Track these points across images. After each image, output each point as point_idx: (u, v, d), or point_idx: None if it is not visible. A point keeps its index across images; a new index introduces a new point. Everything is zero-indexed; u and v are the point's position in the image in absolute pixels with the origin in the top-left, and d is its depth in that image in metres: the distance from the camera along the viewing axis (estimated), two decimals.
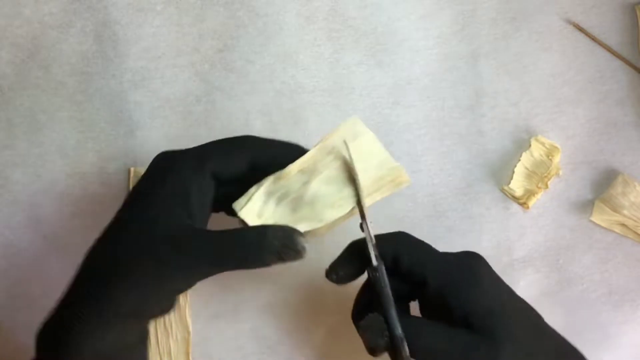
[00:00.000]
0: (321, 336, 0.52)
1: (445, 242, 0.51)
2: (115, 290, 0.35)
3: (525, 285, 0.52)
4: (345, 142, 0.38)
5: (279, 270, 0.49)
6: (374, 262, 0.39)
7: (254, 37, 0.49)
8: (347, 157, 0.38)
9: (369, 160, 0.39)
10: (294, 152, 0.39)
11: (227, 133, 0.49)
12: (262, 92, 0.50)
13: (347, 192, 0.38)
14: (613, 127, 0.51)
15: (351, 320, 0.41)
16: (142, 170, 0.49)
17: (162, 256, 0.35)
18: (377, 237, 0.39)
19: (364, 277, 0.41)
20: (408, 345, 0.37)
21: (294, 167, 0.38)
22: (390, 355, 0.38)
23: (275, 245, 0.35)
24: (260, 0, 0.49)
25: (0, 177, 0.49)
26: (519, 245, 0.51)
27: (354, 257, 0.40)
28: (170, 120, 0.50)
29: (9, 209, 0.49)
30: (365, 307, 0.40)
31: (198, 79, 0.49)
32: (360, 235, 0.39)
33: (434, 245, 0.51)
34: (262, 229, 0.36)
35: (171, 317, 0.50)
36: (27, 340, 0.51)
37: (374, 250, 0.39)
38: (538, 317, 0.41)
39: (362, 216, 0.38)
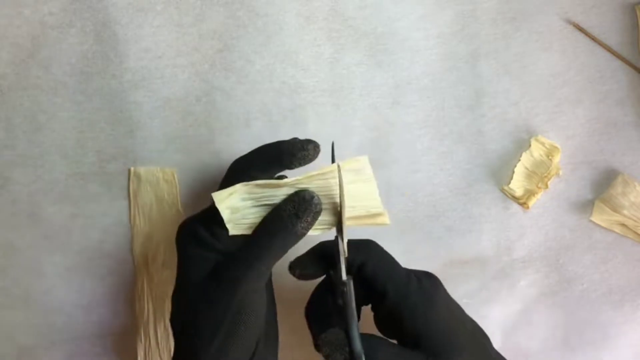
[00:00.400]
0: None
1: (445, 242, 0.51)
2: (199, 338, 0.38)
3: (525, 285, 0.52)
4: (339, 166, 0.39)
5: (278, 270, 0.49)
6: (344, 277, 0.39)
7: (254, 37, 0.49)
8: (339, 179, 0.39)
9: (361, 199, 0.40)
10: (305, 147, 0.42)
11: (227, 133, 0.50)
12: (262, 92, 0.50)
13: (328, 217, 0.40)
14: (613, 127, 0.51)
15: None
16: (142, 170, 0.49)
17: (214, 288, 0.38)
18: (348, 242, 0.40)
19: None
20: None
21: (287, 182, 0.39)
22: None
23: (289, 207, 0.38)
24: (260, 0, 0.49)
25: (0, 177, 0.49)
26: (519, 245, 0.51)
27: (320, 259, 0.42)
28: (170, 120, 0.50)
29: (9, 209, 0.49)
30: (320, 306, 0.42)
31: (198, 79, 0.49)
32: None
33: (433, 245, 0.52)
34: (276, 206, 0.39)
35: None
36: (27, 340, 0.51)
37: (344, 265, 0.40)
38: (486, 340, 0.42)
39: (340, 233, 0.40)
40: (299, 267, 0.42)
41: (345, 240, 0.40)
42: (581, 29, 0.50)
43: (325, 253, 0.42)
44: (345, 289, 0.39)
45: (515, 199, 0.51)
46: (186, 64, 0.49)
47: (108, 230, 0.50)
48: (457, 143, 0.51)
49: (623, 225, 0.51)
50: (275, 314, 0.44)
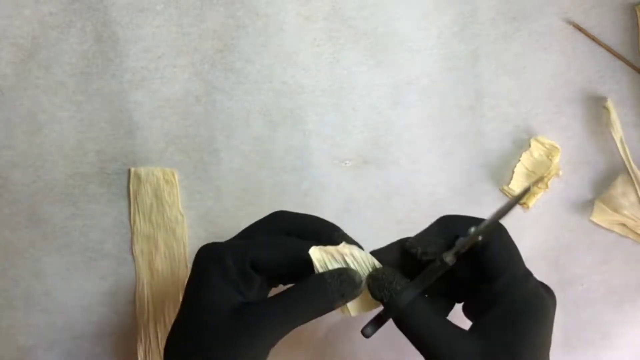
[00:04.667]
0: (321, 336, 0.52)
1: None
2: None
3: None
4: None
5: None
6: (449, 261, 0.37)
7: (254, 37, 0.49)
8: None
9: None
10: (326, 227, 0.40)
11: (227, 133, 0.50)
12: (262, 92, 0.50)
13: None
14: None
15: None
16: (142, 170, 0.49)
17: (233, 330, 0.36)
18: (477, 219, 0.38)
19: None
20: (403, 317, 0.36)
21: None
22: (381, 316, 0.38)
23: (336, 284, 0.36)
24: (260, 0, 0.49)
25: (0, 177, 0.49)
26: (519, 245, 0.51)
27: (443, 232, 0.39)
28: (170, 120, 0.50)
29: (9, 209, 0.49)
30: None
31: (198, 79, 0.49)
32: None
33: None
34: (319, 275, 0.37)
35: (172, 317, 0.50)
36: (27, 341, 0.51)
37: (459, 250, 0.37)
38: None
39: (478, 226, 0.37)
40: (422, 244, 0.38)
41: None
42: (581, 29, 0.50)
43: (449, 226, 0.39)
44: (440, 265, 0.37)
45: None
46: (186, 64, 0.49)
47: (108, 230, 0.50)
48: (457, 143, 0.51)
49: (623, 225, 0.51)
50: None
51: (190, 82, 0.49)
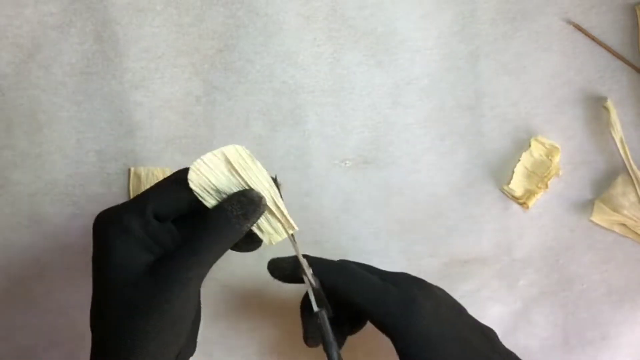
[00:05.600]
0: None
1: (445, 242, 0.51)
2: (135, 347, 0.34)
3: (525, 285, 0.52)
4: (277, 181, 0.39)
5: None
6: (315, 308, 0.40)
7: (254, 37, 0.49)
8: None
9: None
10: None
11: (227, 133, 0.50)
12: (262, 92, 0.50)
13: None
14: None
15: None
16: (142, 170, 0.49)
17: (146, 292, 0.34)
18: (318, 262, 0.41)
19: None
20: None
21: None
22: None
23: (236, 209, 0.36)
24: (260, 0, 0.49)
25: (0, 177, 0.49)
26: (519, 245, 0.51)
27: (294, 272, 0.41)
28: (170, 120, 0.50)
29: (9, 209, 0.49)
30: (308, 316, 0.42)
31: (198, 79, 0.49)
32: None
33: (433, 245, 0.51)
34: (217, 206, 0.37)
35: None
36: (27, 341, 0.51)
37: (314, 297, 0.40)
38: (489, 338, 0.42)
39: (302, 270, 0.40)
40: (275, 267, 0.42)
41: (311, 274, 0.40)
42: (581, 29, 0.50)
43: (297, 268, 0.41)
44: (318, 321, 0.40)
45: (515, 199, 0.51)
46: (186, 64, 0.49)
47: None
48: (457, 143, 0.51)
49: (623, 225, 0.51)
50: (199, 316, 0.40)
51: (190, 82, 0.49)
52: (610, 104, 0.50)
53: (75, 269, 0.50)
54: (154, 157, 0.50)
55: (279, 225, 0.39)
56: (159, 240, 0.36)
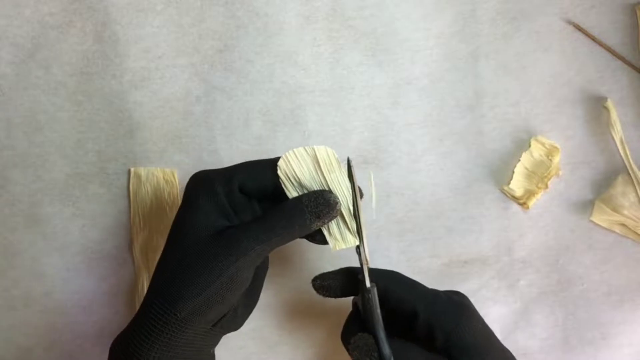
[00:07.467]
0: (321, 336, 0.52)
1: (445, 242, 0.51)
2: (185, 294, 0.37)
3: (525, 285, 0.52)
4: (353, 176, 0.41)
5: (279, 271, 0.50)
6: (368, 284, 0.40)
7: (254, 37, 0.49)
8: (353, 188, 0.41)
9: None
10: None
11: (227, 133, 0.50)
12: (262, 92, 0.50)
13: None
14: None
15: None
16: (142, 170, 0.49)
17: (212, 250, 0.37)
18: (371, 270, 0.41)
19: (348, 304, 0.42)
20: None
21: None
22: None
23: (312, 206, 0.39)
24: (260, 0, 0.49)
25: (0, 177, 0.49)
26: (519, 245, 0.51)
27: (344, 277, 0.43)
28: (170, 120, 0.50)
29: (9, 209, 0.49)
30: (353, 332, 0.41)
31: (198, 79, 0.49)
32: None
33: (433, 245, 0.51)
34: (296, 197, 0.40)
35: None
36: (27, 341, 0.51)
37: (367, 272, 0.40)
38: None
39: (361, 241, 0.41)
40: (320, 278, 0.43)
41: (367, 248, 0.41)
42: (581, 29, 0.50)
43: (349, 274, 0.43)
44: (369, 296, 0.40)
45: (515, 199, 0.51)
46: (186, 64, 0.49)
47: (108, 230, 0.50)
48: (457, 143, 0.51)
49: (623, 225, 0.51)
50: (255, 300, 0.44)
51: (190, 82, 0.49)
52: (610, 104, 0.50)
53: (75, 270, 0.50)
54: (154, 157, 0.50)
55: (348, 233, 0.41)
56: (238, 210, 0.39)
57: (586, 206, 0.51)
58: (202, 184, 0.40)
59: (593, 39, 0.50)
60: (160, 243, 0.50)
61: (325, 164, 0.40)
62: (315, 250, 0.50)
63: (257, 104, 0.50)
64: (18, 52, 0.48)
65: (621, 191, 0.50)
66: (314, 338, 0.51)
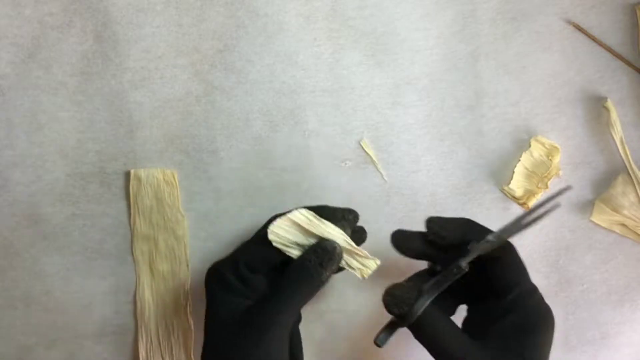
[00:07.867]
0: (321, 336, 0.52)
1: None
2: None
3: None
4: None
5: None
6: (464, 265, 0.40)
7: (254, 37, 0.49)
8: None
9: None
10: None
11: (227, 133, 0.50)
12: (262, 92, 0.50)
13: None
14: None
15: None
16: (142, 172, 0.49)
17: (241, 335, 0.39)
18: (437, 219, 0.43)
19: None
20: (419, 325, 0.39)
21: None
22: (395, 324, 0.40)
23: (314, 260, 0.40)
24: (260, 0, 0.49)
25: (0, 177, 0.49)
26: (518, 246, 0.51)
27: (459, 229, 0.43)
28: (170, 120, 0.49)
29: (9, 209, 0.49)
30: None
31: (198, 79, 0.49)
32: None
33: None
34: (299, 259, 0.41)
35: (172, 317, 0.50)
36: (27, 340, 0.51)
37: (473, 257, 0.40)
38: None
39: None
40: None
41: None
42: (581, 29, 0.50)
43: (468, 229, 0.43)
44: (456, 271, 0.40)
45: (515, 199, 0.51)
46: (186, 64, 0.49)
47: (108, 230, 0.50)
48: (457, 143, 0.51)
49: (623, 225, 0.51)
50: (301, 353, 0.46)
51: (190, 82, 0.49)
52: (610, 104, 0.50)
53: (75, 269, 0.50)
54: (154, 157, 0.50)
55: (365, 260, 0.42)
56: (253, 286, 0.41)
57: (586, 206, 0.51)
58: (214, 277, 0.42)
59: (593, 39, 0.50)
60: (161, 243, 0.50)
61: (307, 223, 0.41)
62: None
63: (257, 104, 0.50)
64: (18, 52, 0.48)
65: (621, 191, 0.50)
66: (313, 337, 0.51)
